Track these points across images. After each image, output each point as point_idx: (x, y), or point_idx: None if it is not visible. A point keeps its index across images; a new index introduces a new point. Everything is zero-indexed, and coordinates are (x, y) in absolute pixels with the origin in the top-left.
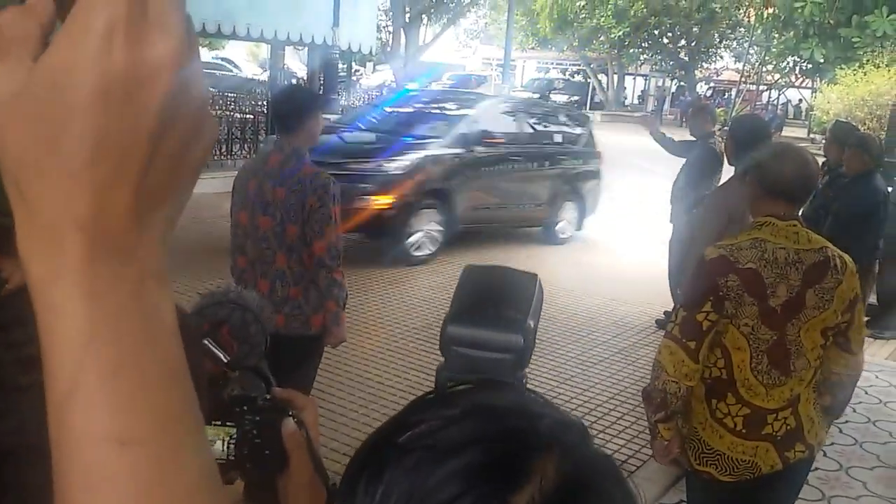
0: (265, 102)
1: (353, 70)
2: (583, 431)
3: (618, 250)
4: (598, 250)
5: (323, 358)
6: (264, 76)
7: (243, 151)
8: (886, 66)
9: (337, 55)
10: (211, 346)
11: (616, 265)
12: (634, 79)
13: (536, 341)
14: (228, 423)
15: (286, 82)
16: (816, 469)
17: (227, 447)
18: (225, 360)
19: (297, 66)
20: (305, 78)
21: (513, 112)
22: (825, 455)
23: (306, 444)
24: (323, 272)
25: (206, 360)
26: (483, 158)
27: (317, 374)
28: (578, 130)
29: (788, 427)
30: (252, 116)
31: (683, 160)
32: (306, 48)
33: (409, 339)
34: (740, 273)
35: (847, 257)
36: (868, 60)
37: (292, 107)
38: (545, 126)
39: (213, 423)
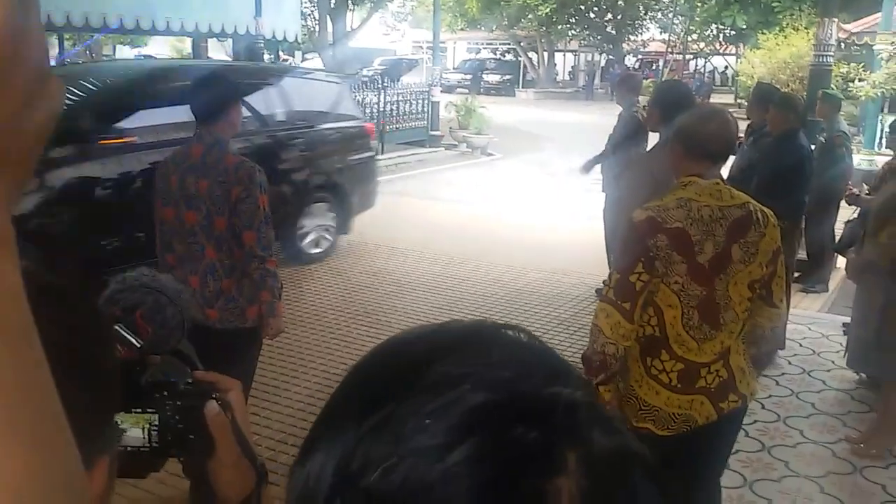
0: None
1: (280, 59)
2: (591, 404)
3: (554, 223)
4: (536, 225)
5: (268, 350)
6: None
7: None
8: (805, 28)
9: (262, 45)
10: (122, 332)
11: (554, 238)
12: (564, 55)
13: (479, 317)
14: (149, 410)
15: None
16: (756, 421)
17: (149, 434)
18: (138, 345)
19: (222, 58)
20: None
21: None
22: (763, 407)
23: (231, 426)
24: (255, 263)
25: (120, 346)
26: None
27: (258, 367)
28: (328, 102)
29: (721, 379)
30: None
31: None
32: (230, 39)
33: (351, 326)
34: (668, 232)
35: (768, 211)
36: (788, 24)
37: (212, 96)
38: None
39: (132, 410)
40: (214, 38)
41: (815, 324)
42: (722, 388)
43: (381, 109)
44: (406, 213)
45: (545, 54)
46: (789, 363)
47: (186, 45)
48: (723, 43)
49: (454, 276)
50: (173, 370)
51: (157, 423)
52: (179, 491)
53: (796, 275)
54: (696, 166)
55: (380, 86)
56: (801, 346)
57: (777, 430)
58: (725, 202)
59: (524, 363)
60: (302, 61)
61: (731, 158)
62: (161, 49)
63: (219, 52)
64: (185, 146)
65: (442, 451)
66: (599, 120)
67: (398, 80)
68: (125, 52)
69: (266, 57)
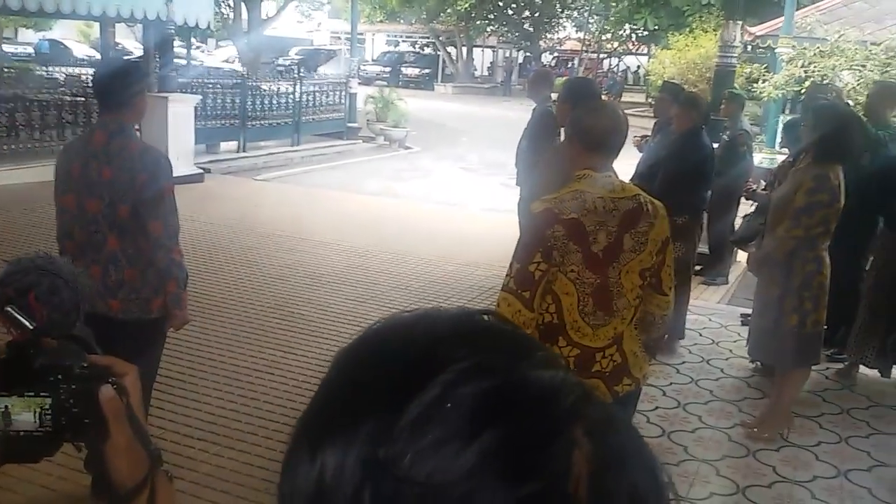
0: None
1: (192, 47)
2: (583, 384)
3: (470, 216)
4: (452, 218)
5: (174, 343)
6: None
7: (74, 136)
8: (714, 30)
9: (173, 31)
10: (14, 313)
11: (470, 231)
12: (483, 50)
13: (394, 309)
14: (42, 394)
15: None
16: (657, 408)
17: (42, 418)
18: (31, 327)
19: (132, 44)
20: (142, 57)
21: None
22: (664, 394)
23: (125, 409)
24: (161, 252)
25: (13, 329)
26: None
27: (164, 360)
28: None
29: (615, 363)
30: (84, 99)
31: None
32: (140, 25)
33: (262, 318)
34: (564, 223)
35: (658, 203)
36: (697, 26)
37: (116, 82)
38: None
39: (24, 394)
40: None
41: (715, 315)
42: (616, 372)
43: (298, 100)
44: (322, 206)
45: (464, 49)
46: (689, 352)
47: (94, 29)
48: (635, 43)
49: (370, 269)
50: (68, 354)
51: (50, 407)
52: (81, 486)
53: (698, 268)
54: (589, 159)
55: (296, 76)
56: (700, 335)
57: (677, 416)
58: (617, 194)
59: (515, 347)
60: (215, 49)
61: (639, 154)
62: (68, 33)
63: (128, 39)
64: (86, 133)
65: (464, 441)
66: (517, 115)
67: (315, 71)
68: (28, 36)
69: (177, 44)
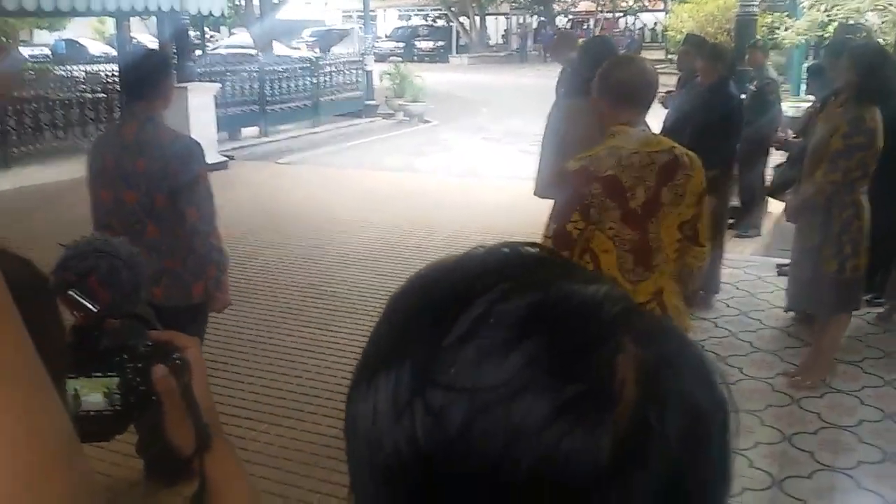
0: (116, 79)
1: (207, 36)
2: (628, 297)
3: (496, 186)
4: (478, 189)
5: (213, 326)
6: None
7: (99, 132)
8: None
9: (188, 21)
10: (77, 297)
11: (497, 201)
12: (496, 18)
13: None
14: (109, 374)
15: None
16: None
17: (111, 397)
18: (94, 310)
19: (146, 38)
20: (158, 48)
21: None
22: (703, 349)
23: (177, 387)
24: (199, 238)
25: (76, 312)
26: None
27: (206, 344)
28: None
29: None
30: (104, 95)
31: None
32: (154, 18)
33: (297, 299)
34: (601, 181)
35: (693, 154)
36: None
37: (144, 72)
38: None
39: (91, 374)
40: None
41: (750, 266)
42: None
43: (315, 81)
44: (347, 185)
45: (476, 18)
46: (727, 306)
47: (108, 26)
48: None
49: (399, 245)
50: (132, 333)
51: (117, 386)
52: (136, 471)
53: (730, 221)
54: (622, 115)
55: (312, 57)
56: (737, 288)
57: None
58: (653, 147)
59: (557, 268)
60: (229, 36)
61: (664, 111)
62: (82, 31)
63: (142, 33)
64: (116, 125)
65: (508, 349)
66: (535, 82)
67: (329, 51)
68: (44, 37)
69: (192, 34)
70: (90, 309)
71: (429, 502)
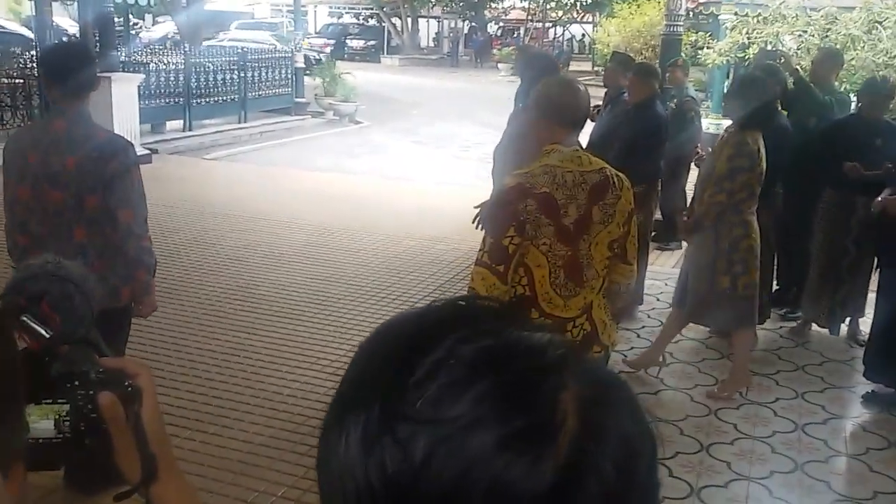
0: (35, 64)
1: (131, 24)
2: (570, 343)
3: (426, 190)
4: (408, 193)
5: (135, 330)
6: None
7: (16, 120)
8: None
9: (111, 8)
10: (30, 322)
11: (426, 205)
12: (428, 21)
13: (357, 286)
14: (60, 400)
15: (56, 41)
16: (619, 372)
17: (60, 425)
18: (47, 336)
19: (67, 22)
20: (78, 34)
21: None
22: (626, 359)
23: (129, 414)
24: (132, 240)
25: (28, 338)
26: None
27: (130, 346)
28: None
29: (585, 332)
30: (22, 81)
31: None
32: (75, 2)
33: (223, 301)
34: (536, 197)
35: (622, 175)
36: None
37: (77, 64)
38: None
39: (42, 401)
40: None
41: (671, 279)
42: (586, 341)
43: (242, 76)
44: (275, 184)
45: (409, 20)
46: (648, 317)
47: (25, 7)
48: (580, 11)
49: (329, 246)
50: (83, 359)
51: (67, 413)
52: (55, 478)
53: (653, 234)
54: (557, 135)
55: (239, 51)
56: (658, 300)
57: (639, 379)
58: (585, 167)
59: (507, 317)
60: (153, 25)
61: (591, 124)
62: None
63: (62, 17)
64: (43, 121)
65: (465, 386)
66: (466, 87)
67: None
68: None
69: (116, 21)
70: (42, 335)
71: None
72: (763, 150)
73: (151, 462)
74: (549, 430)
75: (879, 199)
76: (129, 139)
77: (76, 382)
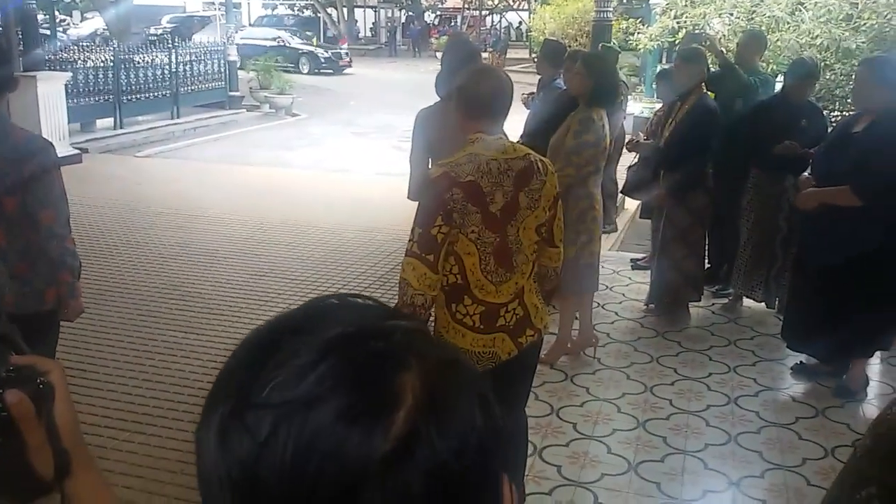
0: None
1: (57, 20)
2: (426, 333)
3: (364, 181)
4: (346, 184)
5: (69, 333)
6: None
7: None
8: None
9: (34, 4)
10: None
11: (365, 196)
12: (364, 11)
13: (297, 280)
14: None
15: None
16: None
17: None
18: None
19: None
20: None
21: None
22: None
23: (40, 412)
24: (54, 242)
25: None
26: None
27: (60, 350)
28: None
29: (518, 316)
30: None
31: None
32: None
33: (159, 300)
34: (462, 186)
35: (547, 161)
36: None
37: None
38: None
39: None
40: None
41: (607, 261)
42: (520, 325)
43: (174, 70)
44: (210, 179)
45: (345, 10)
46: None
47: None
48: None
49: (268, 241)
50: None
51: None
52: None
53: None
54: (478, 124)
55: (170, 45)
56: None
57: (577, 360)
58: (509, 154)
59: (366, 309)
60: (81, 22)
61: (526, 111)
62: None
63: None
64: None
65: (310, 368)
66: (404, 77)
67: (189, 39)
68: None
69: (40, 18)
70: None
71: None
72: (608, 127)
73: (64, 457)
74: (387, 404)
75: (799, 192)
76: (57, 138)
77: None
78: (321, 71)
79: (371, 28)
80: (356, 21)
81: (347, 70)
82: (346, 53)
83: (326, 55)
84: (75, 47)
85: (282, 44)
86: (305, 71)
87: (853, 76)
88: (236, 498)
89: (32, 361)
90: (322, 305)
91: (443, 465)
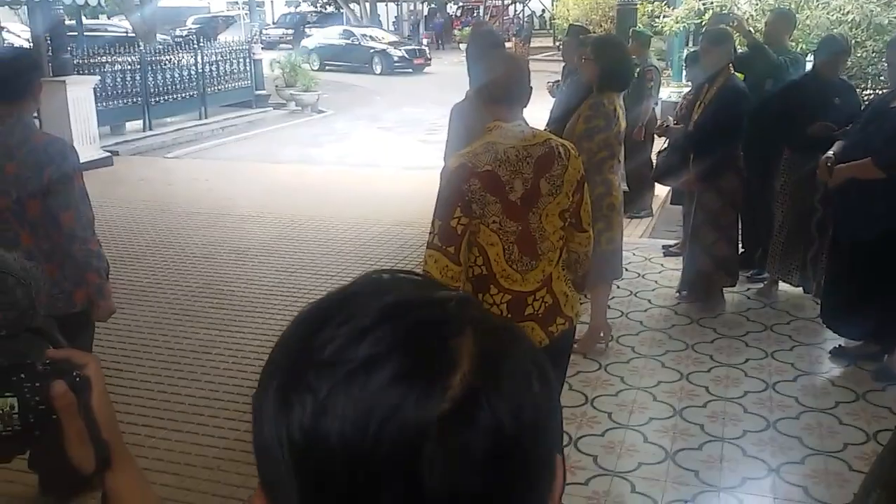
0: None
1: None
2: (478, 303)
3: (393, 176)
4: (375, 179)
5: (105, 333)
6: None
7: None
8: None
9: (62, 10)
10: None
11: (394, 191)
12: (387, 5)
13: (327, 276)
14: (6, 394)
15: (6, 46)
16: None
17: (9, 418)
18: None
19: (18, 27)
20: (30, 40)
21: None
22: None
23: (76, 404)
24: (77, 244)
25: None
26: None
27: (97, 350)
28: None
29: (546, 305)
30: None
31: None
32: (24, 7)
33: (192, 299)
34: (479, 176)
35: (569, 144)
36: None
37: (11, 72)
38: None
39: None
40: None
41: (639, 248)
42: (549, 314)
43: (201, 71)
44: (240, 178)
45: (367, 5)
46: (618, 287)
47: None
48: None
49: (298, 238)
50: (31, 350)
51: (16, 406)
52: (30, 487)
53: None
54: (496, 111)
55: (195, 46)
56: (627, 270)
57: (611, 349)
58: (528, 141)
59: (418, 281)
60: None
61: (552, 99)
62: None
63: (12, 21)
64: None
65: (366, 331)
66: (428, 69)
67: (214, 39)
68: None
69: (67, 23)
70: None
71: (303, 475)
72: (621, 111)
73: (105, 449)
74: (443, 367)
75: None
76: (87, 142)
77: (22, 375)
78: (396, 71)
79: (394, 22)
80: (379, 15)
81: (428, 69)
82: (422, 50)
83: (400, 53)
84: (102, 51)
85: (355, 43)
86: (378, 71)
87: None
88: (297, 461)
89: (69, 355)
90: (375, 277)
91: (500, 427)
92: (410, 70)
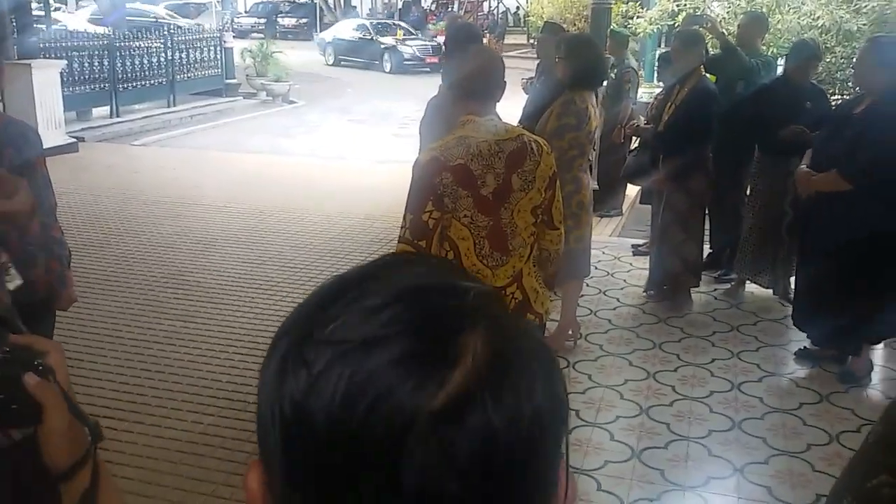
0: None
1: (51, 8)
2: (500, 299)
3: (363, 169)
4: (345, 172)
5: (66, 323)
6: None
7: None
8: None
9: None
10: None
11: (364, 184)
12: None
13: (295, 269)
14: None
15: None
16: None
17: None
18: None
19: None
20: None
21: None
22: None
23: (57, 389)
24: (39, 231)
25: None
26: None
27: (62, 341)
28: None
29: (517, 300)
30: None
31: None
32: None
33: (156, 289)
34: (451, 170)
35: (542, 140)
36: None
37: None
38: None
39: None
40: None
41: (608, 247)
42: (519, 310)
43: (170, 58)
44: (208, 168)
45: None
46: (587, 285)
47: None
48: None
49: (266, 229)
50: None
51: None
52: None
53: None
54: (469, 106)
55: (166, 32)
56: (596, 268)
57: (580, 346)
58: (501, 136)
59: (442, 267)
60: (77, 9)
61: (525, 96)
62: None
63: None
64: None
65: (377, 310)
66: None
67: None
68: None
69: (34, 6)
70: None
71: (288, 450)
72: (594, 110)
73: (94, 423)
74: (445, 360)
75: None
76: (52, 127)
77: None
78: (406, 71)
79: (368, 13)
80: (353, 7)
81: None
82: (437, 47)
83: (411, 51)
84: (69, 35)
85: (367, 38)
86: (387, 70)
87: (854, 59)
88: (284, 434)
89: (30, 342)
90: (398, 258)
91: (493, 435)
92: (427, 70)
